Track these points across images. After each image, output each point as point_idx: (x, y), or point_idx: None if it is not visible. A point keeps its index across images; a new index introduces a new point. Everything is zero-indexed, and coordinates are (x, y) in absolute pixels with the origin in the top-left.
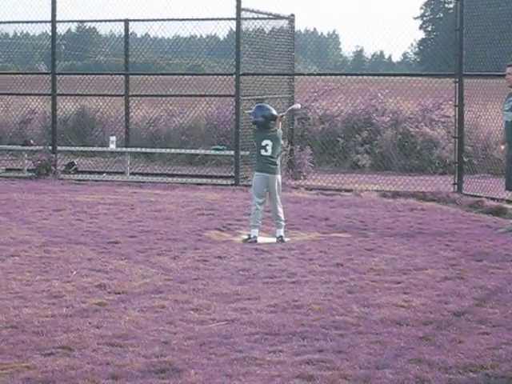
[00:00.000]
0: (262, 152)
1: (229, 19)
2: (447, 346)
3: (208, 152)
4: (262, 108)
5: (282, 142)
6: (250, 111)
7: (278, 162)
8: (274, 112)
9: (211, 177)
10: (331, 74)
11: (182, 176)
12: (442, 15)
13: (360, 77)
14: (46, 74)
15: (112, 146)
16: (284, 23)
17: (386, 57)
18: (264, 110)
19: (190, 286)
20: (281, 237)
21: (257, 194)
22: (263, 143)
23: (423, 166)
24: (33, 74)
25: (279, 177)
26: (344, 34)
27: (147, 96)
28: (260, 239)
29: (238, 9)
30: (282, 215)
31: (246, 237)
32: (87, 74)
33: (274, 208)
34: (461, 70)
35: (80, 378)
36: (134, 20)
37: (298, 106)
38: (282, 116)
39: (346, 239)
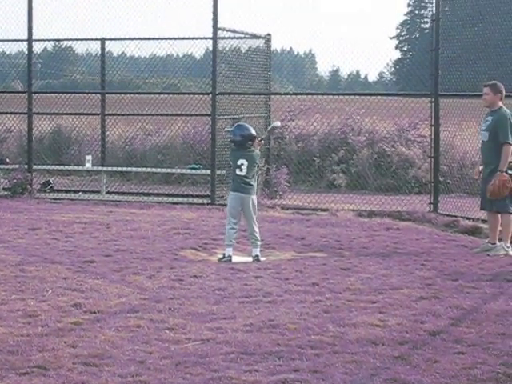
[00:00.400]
0: (237, 171)
1: (205, 38)
2: (423, 365)
3: (184, 171)
4: (241, 127)
5: (258, 162)
6: (230, 129)
7: (254, 183)
8: (253, 132)
9: (187, 196)
10: (307, 94)
11: (157, 195)
12: (417, 35)
13: (336, 96)
14: (22, 92)
15: (88, 165)
16: (260, 42)
17: (362, 76)
18: (243, 130)
19: (165, 306)
20: (257, 256)
21: (231, 214)
22: (239, 162)
23: (399, 186)
24: (9, 93)
25: (254, 197)
26: (320, 54)
27: (123, 115)
28: (236, 258)
29: (215, 28)
30: (257, 235)
31: (220, 256)
32: (63, 93)
33: (249, 227)
34: (436, 89)
35: None
36: (111, 39)
37: (278, 123)
38: (260, 140)
39: (321, 258)
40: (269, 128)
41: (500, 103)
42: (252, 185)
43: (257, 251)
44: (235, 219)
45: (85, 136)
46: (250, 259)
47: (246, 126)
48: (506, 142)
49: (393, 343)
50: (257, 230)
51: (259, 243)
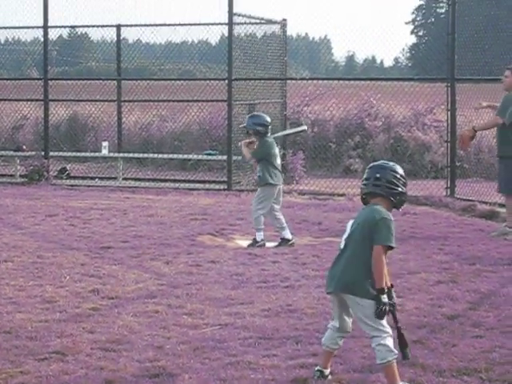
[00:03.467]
0: (278, 161)
1: (221, 24)
2: (441, 349)
3: (200, 157)
4: (255, 117)
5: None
6: (244, 124)
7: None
8: (268, 119)
9: (204, 182)
10: (323, 79)
11: (174, 181)
12: (433, 20)
13: (352, 81)
14: (38, 79)
15: (104, 152)
16: (276, 28)
17: (378, 61)
18: (259, 119)
19: (183, 291)
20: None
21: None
22: (277, 151)
23: (415, 171)
24: (25, 80)
25: None
26: (336, 39)
27: (139, 101)
28: (245, 243)
29: (230, 14)
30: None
31: (250, 241)
32: (79, 80)
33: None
34: (453, 74)
35: (73, 383)
36: (126, 25)
37: (305, 127)
38: (250, 142)
39: (338, 243)
40: (295, 130)
41: None
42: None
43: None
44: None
45: (101, 122)
46: (275, 243)
47: (259, 114)
48: (499, 115)
49: (411, 327)
50: None
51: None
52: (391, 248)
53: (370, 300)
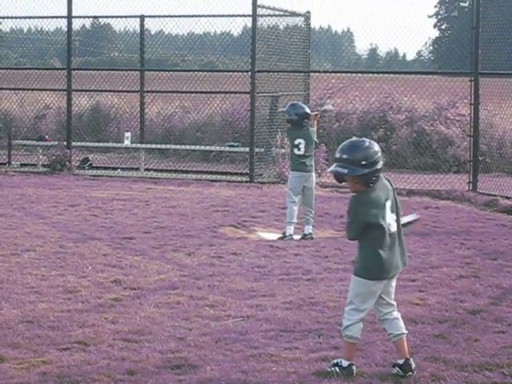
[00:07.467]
0: (296, 151)
1: (244, 16)
2: (463, 344)
3: (223, 149)
4: (295, 106)
5: (315, 139)
6: (284, 109)
7: (312, 161)
8: (308, 110)
9: (226, 173)
10: (346, 72)
11: (196, 172)
12: (456, 14)
13: (375, 74)
14: (62, 69)
15: (127, 142)
16: (299, 20)
17: (401, 55)
18: (298, 108)
19: (205, 283)
20: (310, 234)
21: (294, 192)
22: (296, 142)
23: (438, 165)
24: (48, 70)
25: (314, 174)
26: (358, 32)
27: (162, 92)
28: (267, 235)
29: (254, 5)
30: (313, 213)
31: (281, 235)
32: (102, 70)
33: (308, 204)
34: (476, 68)
35: (96, 373)
36: (149, 16)
37: (331, 107)
38: (316, 115)
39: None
40: (321, 108)
41: None
42: (312, 163)
43: (310, 229)
44: (297, 197)
45: (123, 113)
46: (276, 237)
47: (300, 105)
48: None
49: (433, 322)
50: (313, 208)
51: (313, 221)
52: None
53: None
